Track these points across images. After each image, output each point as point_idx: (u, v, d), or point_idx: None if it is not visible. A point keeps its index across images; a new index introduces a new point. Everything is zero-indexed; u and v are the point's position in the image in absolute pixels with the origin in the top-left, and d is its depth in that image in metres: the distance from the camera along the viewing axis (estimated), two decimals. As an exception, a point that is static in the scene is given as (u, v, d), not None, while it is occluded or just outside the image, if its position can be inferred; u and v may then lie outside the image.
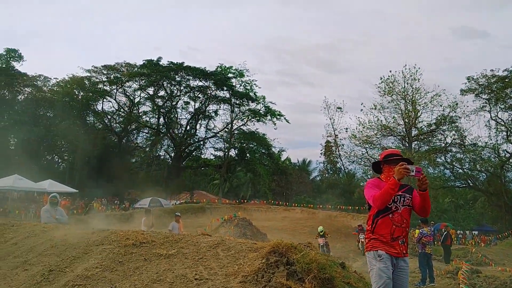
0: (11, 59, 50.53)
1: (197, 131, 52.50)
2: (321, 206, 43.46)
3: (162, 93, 51.49)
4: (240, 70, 48.97)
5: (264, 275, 4.37)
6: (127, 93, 51.80)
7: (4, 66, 49.93)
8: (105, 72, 50.01)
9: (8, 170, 38.47)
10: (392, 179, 4.15)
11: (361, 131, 37.40)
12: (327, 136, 47.60)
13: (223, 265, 4.75)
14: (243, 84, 49.30)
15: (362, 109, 38.14)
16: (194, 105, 51.54)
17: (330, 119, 46.16)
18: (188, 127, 52.04)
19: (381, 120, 36.83)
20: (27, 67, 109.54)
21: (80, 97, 50.17)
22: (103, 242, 5.52)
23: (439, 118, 36.37)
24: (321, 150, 52.59)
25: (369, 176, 39.32)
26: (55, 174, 46.04)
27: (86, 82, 50.24)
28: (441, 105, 35.87)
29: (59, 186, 34.53)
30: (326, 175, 57.59)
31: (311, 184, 61.65)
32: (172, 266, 4.78)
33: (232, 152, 51.87)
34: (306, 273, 4.57)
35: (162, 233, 6.20)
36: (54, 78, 52.09)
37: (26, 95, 52.00)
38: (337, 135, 45.36)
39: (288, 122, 50.86)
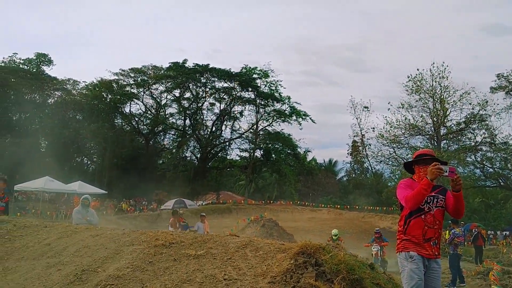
0: (41, 63, 51.82)
1: (223, 132, 52.78)
2: (348, 206, 43.12)
3: (188, 94, 51.99)
4: (265, 71, 48.99)
5: (293, 276, 4.37)
6: (154, 96, 52.53)
7: (34, 70, 51.23)
8: (132, 75, 50.81)
9: (39, 172, 39.46)
10: (424, 179, 4.10)
11: (389, 131, 36.91)
12: (354, 136, 47.21)
13: (251, 266, 4.77)
14: (268, 84, 49.31)
15: (389, 108, 37.69)
16: (220, 106, 51.85)
17: (356, 118, 45.74)
18: (213, 128, 52.37)
19: (409, 119, 36.31)
20: (57, 71, 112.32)
21: (108, 100, 51.08)
22: (134, 242, 5.61)
23: (468, 116, 35.63)
24: (347, 150, 52.25)
25: (397, 176, 38.83)
26: (84, 176, 47.04)
27: (114, 85, 51.12)
28: (470, 103, 35.15)
29: (88, 187, 35.22)
30: (353, 175, 57.15)
31: (338, 185, 61.22)
32: (201, 266, 4.83)
33: (258, 153, 51.91)
34: (335, 274, 4.55)
35: (191, 234, 6.27)
36: (83, 82, 53.27)
37: (56, 99, 53.22)
38: (364, 134, 44.92)
39: (314, 122, 50.68)
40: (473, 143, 36.90)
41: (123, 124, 54.15)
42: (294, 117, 49.32)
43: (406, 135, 36.71)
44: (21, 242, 6.28)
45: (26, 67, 51.53)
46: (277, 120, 49.76)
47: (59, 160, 50.86)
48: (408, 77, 36.09)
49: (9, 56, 51.40)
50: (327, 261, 4.67)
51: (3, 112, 49.16)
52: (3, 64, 50.26)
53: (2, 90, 47.69)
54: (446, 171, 3.97)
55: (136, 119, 53.81)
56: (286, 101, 49.44)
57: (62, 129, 48.28)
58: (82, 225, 8.56)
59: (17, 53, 51.84)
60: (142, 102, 52.45)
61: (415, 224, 4.28)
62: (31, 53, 63.89)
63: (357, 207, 42.06)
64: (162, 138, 56.44)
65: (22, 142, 46.36)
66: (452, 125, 36.29)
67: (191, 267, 4.84)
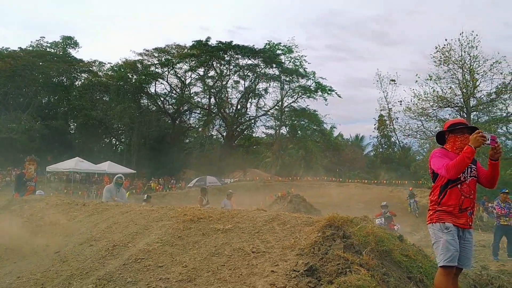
0: (68, 46, 52.48)
1: (248, 110, 52.69)
2: (375, 181, 42.77)
3: (212, 73, 51.89)
4: (289, 46, 48.43)
5: (321, 248, 4.36)
6: (178, 75, 52.66)
7: (61, 53, 51.97)
8: (156, 54, 50.98)
9: (70, 154, 40.40)
10: (467, 147, 4.04)
11: (416, 103, 36.09)
12: (381, 110, 46.46)
13: (279, 239, 4.78)
14: (292, 60, 48.78)
15: (416, 81, 36.82)
16: (244, 84, 51.64)
17: (383, 92, 44.95)
18: (238, 106, 52.29)
19: (437, 91, 35.37)
20: (83, 53, 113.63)
21: (133, 81, 51.53)
22: (162, 218, 5.69)
23: (499, 86, 34.46)
24: (374, 125, 51.39)
25: (425, 149, 38.22)
26: (113, 156, 48.00)
27: (139, 66, 51.45)
28: (501, 73, 33.90)
29: (117, 167, 35.93)
30: (380, 150, 56.42)
31: (365, 160, 60.63)
32: (229, 240, 4.87)
33: (283, 130, 51.76)
34: (363, 246, 4.53)
35: (218, 209, 6.32)
36: (108, 63, 53.77)
37: (83, 81, 54.03)
38: (391, 108, 44.17)
39: (339, 97, 50.05)
40: (504, 114, 35.86)
41: (149, 104, 54.63)
42: (319, 93, 48.81)
43: (434, 108, 35.89)
44: (53, 219, 6.44)
45: (53, 50, 52.29)
46: (302, 96, 49.35)
47: (88, 141, 52.05)
48: (436, 47, 35.08)
49: (36, 40, 52.28)
50: (355, 233, 4.65)
51: (33, 95, 50.27)
52: (31, 48, 51.13)
53: (31, 73, 48.65)
54: (488, 139, 3.96)
55: (162, 99, 54.20)
56: (311, 76, 48.91)
57: (90, 110, 49.12)
58: (111, 202, 8.74)
59: (44, 37, 52.89)
60: (166, 81, 52.72)
61: (452, 194, 4.22)
62: (57, 36, 64.77)
63: (385, 181, 41.68)
64: (187, 117, 56.77)
65: (52, 125, 47.44)
66: (482, 96, 35.27)
67: (219, 241, 4.89)
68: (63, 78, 53.09)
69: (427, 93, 35.51)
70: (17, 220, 6.47)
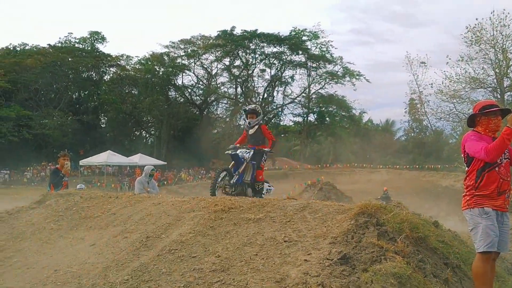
0: (95, 41, 53.25)
1: (275, 98, 52.65)
2: (407, 166, 42.14)
3: (237, 62, 51.97)
4: (315, 32, 47.95)
5: (354, 236, 4.31)
6: (205, 66, 52.92)
7: (89, 48, 52.81)
8: (182, 46, 51.30)
9: (102, 147, 41.20)
10: (507, 128, 3.97)
11: (448, 86, 35.34)
12: (411, 94, 45.84)
13: (311, 227, 4.75)
14: (318, 46, 48.38)
15: (447, 62, 35.89)
16: (270, 72, 51.52)
17: (413, 75, 44.22)
18: (265, 95, 52.28)
19: (469, 72, 34.52)
20: (110, 48, 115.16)
21: (161, 73, 52.01)
22: (194, 209, 5.72)
23: (534, 65, 33.42)
24: (405, 109, 50.61)
25: (458, 132, 37.44)
26: (144, 148, 48.74)
27: (165, 58, 51.88)
28: (536, 51, 32.90)
29: (148, 159, 36.46)
30: (412, 134, 55.46)
31: (396, 145, 59.76)
32: (261, 230, 4.86)
33: (311, 117, 51.51)
34: (397, 233, 4.45)
35: (249, 198, 6.31)
36: (136, 57, 54.37)
37: (111, 75, 54.85)
38: (421, 91, 43.50)
39: (368, 81, 49.47)
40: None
41: (177, 96, 55.15)
42: (347, 78, 48.31)
43: (466, 89, 35.04)
44: (88, 213, 6.56)
45: (81, 46, 53.16)
46: (330, 82, 48.95)
47: (119, 135, 53.02)
48: (467, 27, 34.16)
49: (65, 36, 53.18)
50: (389, 221, 4.57)
51: (64, 91, 51.32)
52: (59, 44, 52.10)
53: (61, 70, 49.66)
54: None
55: (189, 90, 54.61)
56: (338, 62, 48.43)
57: (120, 104, 49.92)
58: (144, 194, 8.86)
59: (72, 33, 53.50)
60: (193, 73, 53.06)
61: (491, 178, 4.13)
62: (84, 31, 65.76)
63: (417, 166, 41.02)
64: (215, 107, 57.13)
65: (83, 119, 48.43)
66: (517, 75, 34.22)
67: (251, 230, 4.88)
68: (92, 73, 54.01)
69: (459, 75, 34.72)
70: (52, 214, 6.62)
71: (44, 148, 46.92)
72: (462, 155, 4.43)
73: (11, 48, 52.11)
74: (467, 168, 4.34)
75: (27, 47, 52.09)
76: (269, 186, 9.37)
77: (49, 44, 51.84)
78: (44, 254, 5.41)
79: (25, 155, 42.59)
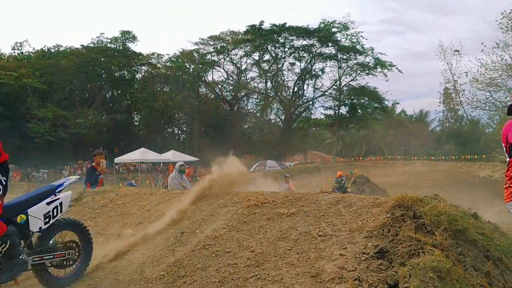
0: (126, 40, 54.12)
1: (305, 92, 52.24)
2: (443, 157, 41.19)
3: (267, 57, 51.84)
4: (344, 23, 47.26)
5: (391, 229, 4.22)
6: (234, 61, 53.07)
7: (121, 48, 53.73)
8: (211, 42, 51.58)
9: (135, 145, 41.93)
10: None
11: (484, 74, 34.38)
12: (445, 83, 44.69)
13: (346, 221, 4.68)
14: (348, 37, 47.62)
15: (482, 50, 34.90)
16: (300, 66, 51.16)
17: (447, 64, 43.08)
18: (295, 89, 51.95)
19: (506, 59, 33.46)
20: (141, 46, 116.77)
21: (191, 70, 52.46)
22: (227, 204, 5.73)
23: None
24: (439, 99, 49.43)
25: (495, 121, 36.43)
26: (176, 145, 49.34)
27: (195, 55, 52.30)
28: None
29: (181, 156, 36.90)
30: (447, 125, 54.18)
31: (431, 136, 58.54)
32: (294, 224, 4.82)
33: (343, 110, 50.83)
34: (435, 225, 4.33)
35: (282, 193, 6.28)
36: (166, 54, 55.02)
37: (143, 73, 55.73)
38: (456, 80, 42.35)
39: (400, 72, 48.33)
40: None
41: (207, 92, 55.55)
42: (379, 69, 47.38)
43: (503, 77, 33.99)
44: (124, 209, 6.67)
45: (113, 45, 54.11)
46: (361, 73, 48.16)
47: (152, 132, 53.86)
48: (502, 13, 33.09)
49: (97, 37, 54.25)
50: (426, 213, 4.45)
51: (97, 90, 52.47)
52: (92, 44, 53.21)
53: (94, 70, 50.78)
54: None
55: (219, 86, 54.90)
56: (369, 52, 47.56)
57: (152, 102, 50.68)
58: (178, 190, 8.95)
59: (103, 33, 54.52)
60: (223, 69, 53.32)
61: None
62: (116, 31, 66.95)
63: (453, 157, 40.06)
64: (245, 103, 57.25)
65: (116, 118, 49.39)
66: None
67: (284, 225, 4.85)
68: (124, 72, 54.99)
69: (495, 62, 33.70)
70: (89, 212, 6.76)
71: (80, 147, 48.14)
72: (503, 145, 4.26)
73: (46, 50, 53.59)
74: (508, 158, 4.17)
75: (61, 49, 53.46)
76: None
77: (82, 45, 53.05)
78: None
79: (62, 154, 43.84)
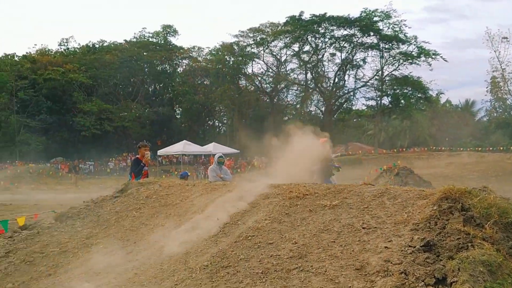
0: (168, 34, 54.95)
1: (346, 83, 51.58)
2: (491, 148, 39.75)
3: (307, 48, 51.43)
4: (386, 12, 46.20)
5: (437, 222, 4.10)
6: (274, 53, 52.93)
7: (162, 42, 54.62)
8: (251, 35, 51.63)
9: (177, 137, 42.65)
10: None
11: (534, 61, 32.86)
12: (493, 71, 43.05)
13: (390, 214, 4.58)
14: (391, 26, 46.58)
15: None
16: (341, 56, 50.51)
17: (494, 52, 41.43)
18: (336, 80, 51.33)
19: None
20: (182, 40, 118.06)
21: (231, 63, 52.70)
22: (269, 196, 5.72)
23: None
24: (486, 88, 47.65)
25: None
26: (217, 137, 49.81)
27: (235, 47, 52.46)
28: None
29: (222, 148, 37.25)
30: (495, 114, 52.26)
31: (478, 126, 56.60)
32: (337, 216, 4.76)
33: (385, 100, 49.89)
34: (485, 218, 4.18)
35: (324, 185, 6.22)
36: (207, 48, 55.53)
37: (184, 67, 56.49)
38: (504, 68, 40.74)
39: (445, 60, 46.89)
40: None
41: (247, 84, 55.68)
42: (422, 58, 46.13)
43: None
44: (167, 200, 6.78)
45: (154, 40, 55.06)
46: (404, 63, 47.08)
47: (193, 125, 54.61)
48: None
49: (139, 32, 55.36)
50: (475, 206, 4.29)
51: (140, 84, 53.61)
52: (134, 39, 54.31)
53: (137, 64, 51.87)
54: None
55: (259, 78, 54.90)
56: (413, 41, 46.38)
57: (193, 95, 51.31)
58: (218, 182, 9.01)
59: (145, 28, 55.67)
60: (263, 61, 53.29)
61: None
62: (157, 26, 67.89)
63: (501, 148, 38.59)
64: (285, 94, 57.08)
65: (159, 111, 50.34)
66: None
67: (327, 217, 4.81)
68: (166, 66, 55.91)
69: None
70: (134, 203, 6.91)
71: (124, 139, 49.41)
72: None
73: (91, 46, 55.12)
74: None
75: (105, 44, 54.86)
76: None
77: (125, 40, 54.34)
78: (127, 240, 5.67)
79: (107, 146, 45.13)
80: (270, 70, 54.39)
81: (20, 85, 45.31)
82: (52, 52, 53.93)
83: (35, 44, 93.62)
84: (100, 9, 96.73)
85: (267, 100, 55.86)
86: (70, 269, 5.06)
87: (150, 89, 57.27)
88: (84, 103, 46.38)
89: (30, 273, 5.19)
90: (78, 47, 55.32)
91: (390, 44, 47.00)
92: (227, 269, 4.25)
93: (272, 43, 51.47)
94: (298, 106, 55.07)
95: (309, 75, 52.73)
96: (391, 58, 47.68)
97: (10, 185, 32.26)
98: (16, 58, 50.99)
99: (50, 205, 16.62)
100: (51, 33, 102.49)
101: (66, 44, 55.38)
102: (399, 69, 47.71)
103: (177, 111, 58.05)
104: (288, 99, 57.24)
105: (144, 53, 51.96)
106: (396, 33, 46.38)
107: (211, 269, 4.33)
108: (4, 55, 51.20)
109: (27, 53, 52.71)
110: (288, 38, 50.26)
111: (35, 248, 5.84)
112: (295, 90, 55.14)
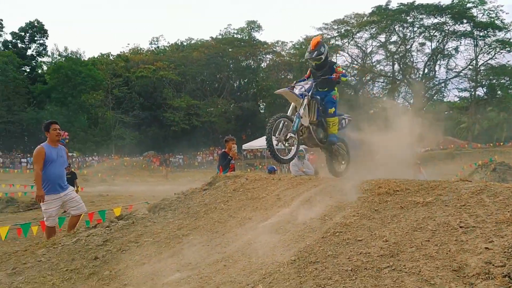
0: (252, 30, 55.76)
1: (437, 73, 49.34)
2: None
3: (394, 38, 49.91)
4: (482, -3, 43.44)
5: (547, 223, 3.76)
6: (359, 45, 51.87)
7: (247, 38, 55.53)
8: (335, 27, 50.94)
9: (262, 132, 43.09)
10: None
11: None
12: None
13: (491, 212, 4.27)
14: (486, 12, 43.75)
15: None
16: (431, 46, 48.48)
17: None
18: (425, 70, 49.27)
19: None
20: (266, 35, 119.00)
21: (315, 56, 52.30)
22: (357, 191, 5.59)
23: None
24: None
25: None
26: (301, 132, 49.76)
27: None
28: None
29: (301, 143, 37.03)
30: None
31: None
32: (431, 214, 4.52)
33: (480, 91, 47.06)
34: None
35: (416, 180, 5.95)
36: (290, 42, 55.63)
37: (268, 62, 57.04)
38: None
39: (548, 48, 43.20)
40: None
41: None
42: (521, 46, 42.90)
43: None
44: (254, 194, 6.85)
45: (239, 36, 56.09)
46: (501, 51, 44.12)
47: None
48: None
49: (224, 28, 56.73)
50: None
51: (226, 80, 54.93)
52: (220, 36, 55.69)
53: (223, 60, 53.19)
54: None
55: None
56: (510, 28, 43.22)
57: (277, 89, 51.64)
58: (302, 176, 8.98)
59: (231, 24, 56.84)
60: (347, 53, 52.40)
61: None
62: (242, 22, 69.13)
63: None
64: (371, 87, 55.68)
65: (244, 106, 51.27)
66: None
67: (420, 214, 4.58)
68: (250, 61, 56.78)
69: None
70: (222, 195, 7.07)
71: (211, 134, 50.95)
72: None
73: (179, 44, 57.41)
74: None
75: (192, 41, 56.86)
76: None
77: (211, 37, 55.88)
78: (216, 232, 5.79)
79: (195, 141, 46.83)
80: (355, 62, 53.35)
81: (115, 82, 48.33)
82: (143, 50, 56.91)
83: (128, 44, 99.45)
84: (188, 9, 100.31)
85: (351, 94, 54.82)
86: (163, 259, 5.26)
87: (235, 85, 58.50)
88: (174, 99, 48.47)
89: (125, 261, 5.46)
90: (168, 45, 57.97)
91: (485, 32, 44.26)
92: (315, 265, 4.19)
93: (357, 34, 50.52)
94: (384, 98, 53.53)
95: (396, 67, 51.18)
96: (487, 47, 44.90)
97: (107, 177, 34.57)
98: (111, 57, 54.44)
99: (143, 196, 17.59)
100: (143, 33, 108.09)
101: (156, 42, 58.26)
102: (495, 58, 44.93)
103: (261, 106, 58.77)
104: (374, 92, 55.89)
105: (229, 50, 53.15)
106: (492, 19, 43.53)
107: (299, 264, 4.29)
108: (100, 54, 54.88)
109: (121, 52, 56.20)
110: (374, 29, 49.04)
111: (130, 237, 6.15)
112: (381, 82, 53.70)
